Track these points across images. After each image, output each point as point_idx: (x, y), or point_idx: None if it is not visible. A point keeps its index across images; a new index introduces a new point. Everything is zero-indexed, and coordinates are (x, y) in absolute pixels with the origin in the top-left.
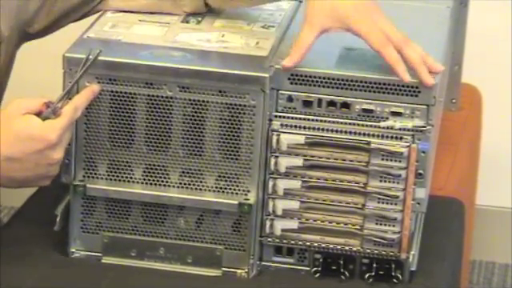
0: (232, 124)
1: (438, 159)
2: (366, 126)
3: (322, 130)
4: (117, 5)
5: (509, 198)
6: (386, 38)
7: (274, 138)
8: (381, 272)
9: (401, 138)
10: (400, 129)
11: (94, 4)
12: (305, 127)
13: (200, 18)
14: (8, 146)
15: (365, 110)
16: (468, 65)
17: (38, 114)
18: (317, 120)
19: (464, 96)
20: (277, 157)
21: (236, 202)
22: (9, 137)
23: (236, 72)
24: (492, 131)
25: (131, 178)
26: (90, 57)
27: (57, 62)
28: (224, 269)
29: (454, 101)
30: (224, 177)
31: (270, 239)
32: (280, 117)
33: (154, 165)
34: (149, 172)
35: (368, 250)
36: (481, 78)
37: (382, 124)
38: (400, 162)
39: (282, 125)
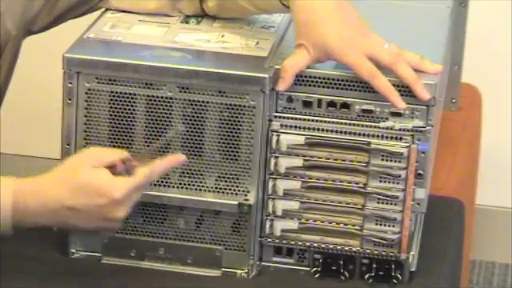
0: (232, 124)
1: (437, 159)
2: (366, 126)
3: (322, 130)
4: (117, 5)
5: (509, 198)
6: (373, 68)
7: (274, 138)
8: (381, 272)
9: (400, 139)
10: (400, 129)
11: (96, 1)
12: (304, 128)
13: (200, 19)
14: (70, 196)
15: (364, 111)
16: (468, 65)
17: (112, 167)
18: (317, 120)
19: (464, 96)
20: (277, 157)
21: (236, 203)
22: (74, 187)
23: (236, 72)
24: (492, 131)
25: None
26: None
27: (57, 62)
28: (224, 269)
29: (453, 101)
30: (224, 177)
31: (269, 239)
32: (280, 117)
33: None
34: None
35: (368, 251)
36: (481, 78)
37: (382, 124)
38: (400, 162)
39: (281, 125)
